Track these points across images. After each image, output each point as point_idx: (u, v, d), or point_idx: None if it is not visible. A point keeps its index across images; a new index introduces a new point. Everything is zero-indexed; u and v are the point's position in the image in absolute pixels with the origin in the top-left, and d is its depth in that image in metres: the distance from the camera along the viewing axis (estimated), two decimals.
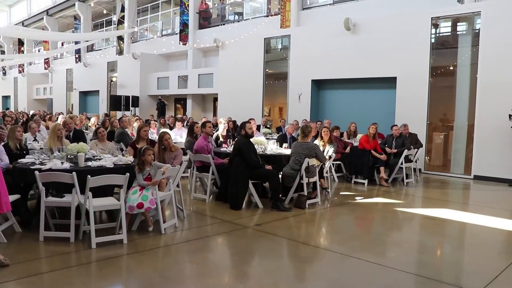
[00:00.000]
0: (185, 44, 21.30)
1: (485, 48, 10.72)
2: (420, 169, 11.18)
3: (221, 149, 8.26)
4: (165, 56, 23.70)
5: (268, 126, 14.48)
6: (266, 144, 7.98)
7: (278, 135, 11.49)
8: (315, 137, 9.44)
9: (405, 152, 9.66)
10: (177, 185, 6.11)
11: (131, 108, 22.17)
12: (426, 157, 11.98)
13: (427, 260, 4.90)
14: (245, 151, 6.91)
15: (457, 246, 5.69)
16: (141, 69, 22.87)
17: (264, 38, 16.26)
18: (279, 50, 16.74)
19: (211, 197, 7.53)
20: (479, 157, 10.84)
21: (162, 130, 9.77)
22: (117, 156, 6.00)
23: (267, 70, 16.43)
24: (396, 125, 10.24)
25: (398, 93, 12.44)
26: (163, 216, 5.50)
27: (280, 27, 16.47)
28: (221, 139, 9.82)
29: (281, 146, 8.34)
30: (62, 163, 5.46)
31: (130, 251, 4.74)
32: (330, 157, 8.31)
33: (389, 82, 12.72)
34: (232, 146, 7.59)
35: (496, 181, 10.42)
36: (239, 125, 10.51)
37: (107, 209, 5.48)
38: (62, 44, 32.22)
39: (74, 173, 4.85)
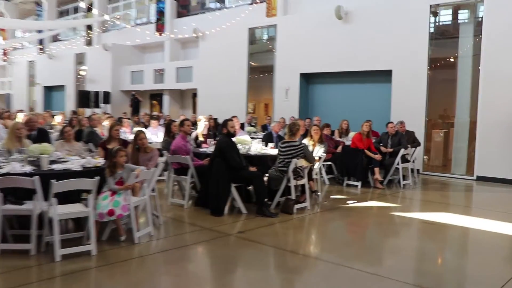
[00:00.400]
0: (162, 35, 21.18)
1: (488, 37, 10.85)
2: (418, 170, 11.30)
3: (201, 150, 8.23)
4: (140, 47, 23.55)
5: (253, 124, 14.48)
6: (250, 144, 7.97)
7: (263, 134, 11.48)
8: (304, 136, 9.46)
9: (402, 152, 9.73)
10: (153, 190, 6.07)
11: (101, 105, 21.97)
12: (424, 157, 12.10)
13: (427, 269, 4.94)
14: (227, 152, 6.89)
15: (459, 253, 5.75)
16: (112, 61, 22.72)
17: (248, 28, 16.27)
18: (264, 41, 16.75)
19: (190, 202, 7.49)
20: (482, 156, 10.98)
21: (137, 128, 9.70)
22: (85, 158, 5.94)
23: (251, 63, 16.43)
24: (391, 122, 10.31)
25: (394, 87, 12.55)
26: (136, 224, 5.45)
27: (266, 16, 16.47)
28: (200, 138, 9.80)
29: (266, 146, 8.34)
30: (22, 166, 5.37)
31: (99, 263, 4.68)
32: (320, 157, 8.33)
33: (384, 76, 12.82)
34: (213, 146, 7.56)
35: (501, 182, 10.56)
36: (220, 123, 10.49)
37: (74, 217, 5.41)
38: (23, 33, 31.74)
39: (36, 177, 4.78)
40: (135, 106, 21.22)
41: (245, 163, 7.18)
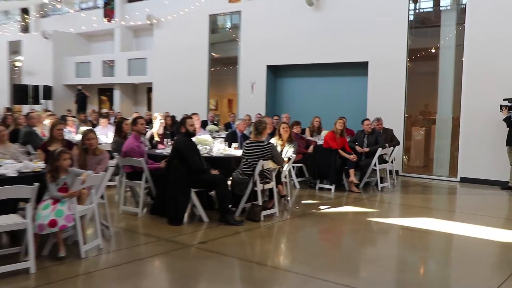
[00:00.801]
0: (111, 21, 20.89)
1: (472, 26, 11.06)
2: (397, 171, 11.50)
3: (157, 151, 8.19)
4: (86, 35, 23.23)
5: (215, 122, 14.45)
6: (212, 144, 7.94)
7: (226, 133, 11.48)
8: (271, 135, 9.49)
9: (379, 151, 9.87)
10: (102, 197, 6.01)
11: (41, 101, 21.57)
12: (404, 157, 12.32)
13: (408, 279, 5.02)
14: (186, 153, 6.87)
15: (443, 262, 5.88)
16: (54, 51, 22.32)
17: (209, 15, 16.24)
18: (227, 29, 16.77)
19: (144, 210, 7.43)
20: (466, 155, 11.21)
21: (83, 128, 9.53)
22: (22, 161, 5.80)
23: (213, 54, 16.40)
24: (368, 119, 10.45)
25: (370, 81, 12.73)
26: (83, 236, 5.36)
27: (229, 2, 16.46)
28: (156, 138, 9.70)
29: (230, 146, 8.33)
30: None
31: (40, 282, 4.58)
32: (289, 158, 8.37)
33: (360, 68, 12.99)
34: (170, 147, 7.52)
35: (486, 183, 10.76)
36: (178, 121, 10.41)
37: (9, 229, 5.26)
38: None
39: None
40: (81, 102, 20.88)
41: (206, 166, 7.16)
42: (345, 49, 13.11)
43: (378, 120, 10.74)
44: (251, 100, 15.07)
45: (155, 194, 7.36)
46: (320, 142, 10.43)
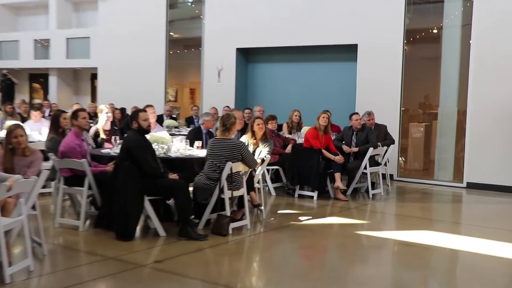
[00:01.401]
0: None
1: (482, 1, 11.15)
2: (391, 175, 11.63)
3: (103, 151, 8.15)
4: (12, 7, 23.01)
5: (174, 116, 14.39)
6: (170, 143, 7.93)
7: (189, 129, 11.44)
8: (242, 132, 9.48)
9: (370, 152, 9.92)
10: (33, 207, 5.91)
11: None
12: (400, 158, 12.44)
13: None
14: (139, 153, 6.84)
15: (446, 283, 5.93)
16: None
17: None
18: (189, 4, 16.71)
19: (87, 223, 7.38)
20: (474, 157, 11.32)
21: (10, 122, 9.39)
22: None
23: (172, 34, 16.32)
24: (357, 114, 10.51)
25: (359, 67, 12.80)
26: (8, 255, 5.26)
27: None
28: (102, 135, 9.64)
29: (192, 145, 8.32)
30: None
31: None
32: (263, 160, 8.40)
33: (348, 52, 13.07)
34: (120, 146, 7.47)
35: (498, 190, 10.87)
36: (129, 114, 10.36)
37: None
38: None
39: None
40: (7, 90, 20.58)
41: (163, 169, 7.15)
42: (330, 29, 13.13)
43: (369, 114, 10.81)
44: (217, 90, 15.04)
45: (101, 204, 7.32)
46: (300, 140, 10.48)
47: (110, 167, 7.30)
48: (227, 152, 7.21)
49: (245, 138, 8.80)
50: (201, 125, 10.23)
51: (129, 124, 7.51)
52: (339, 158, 9.71)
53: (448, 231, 7.78)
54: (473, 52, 11.28)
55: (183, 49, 16.63)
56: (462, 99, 11.69)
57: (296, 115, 11.69)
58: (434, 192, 11.20)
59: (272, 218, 8.29)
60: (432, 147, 12.47)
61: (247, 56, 15.18)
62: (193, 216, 7.11)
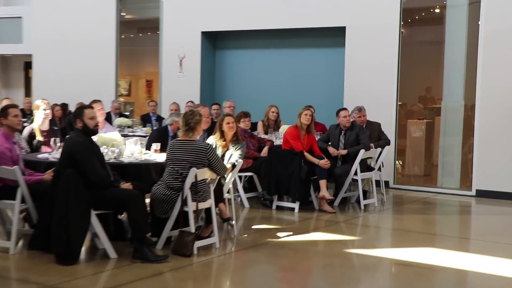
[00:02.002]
0: None
1: None
2: (387, 182, 11.72)
3: (40, 156, 8.10)
4: None
5: (126, 113, 14.33)
6: (123, 146, 7.93)
7: (144, 129, 11.43)
8: (209, 132, 9.50)
9: (362, 154, 9.98)
10: None
11: None
12: (397, 162, 12.52)
13: None
14: (84, 158, 6.81)
15: None
16: None
17: None
18: None
19: (20, 243, 7.35)
20: (484, 160, 11.41)
21: None
22: None
23: (123, 14, 16.26)
24: (345, 109, 10.53)
25: (348, 54, 12.86)
26: None
27: None
28: (39, 137, 9.61)
29: (149, 148, 8.32)
30: None
31: None
32: (234, 165, 8.43)
33: (334, 37, 13.16)
34: (60, 150, 7.43)
35: (511, 198, 11.01)
36: (72, 112, 10.29)
37: None
38: None
39: None
40: None
41: (114, 177, 7.14)
42: (314, 10, 13.15)
43: (360, 110, 10.85)
44: (179, 82, 15.04)
45: (37, 220, 7.23)
46: (279, 141, 10.52)
47: (48, 175, 7.25)
48: (191, 156, 7.20)
49: (212, 140, 8.81)
50: (168, 126, 10.20)
51: (72, 124, 7.49)
52: (324, 163, 9.75)
53: (455, 249, 7.83)
54: (482, 35, 11.36)
55: (138, 32, 16.60)
56: (469, 91, 11.76)
57: (273, 112, 11.73)
58: (438, 201, 11.30)
59: (246, 235, 8.30)
60: (434, 148, 12.54)
61: (215, 42, 15.20)
62: (150, 234, 7.08)
